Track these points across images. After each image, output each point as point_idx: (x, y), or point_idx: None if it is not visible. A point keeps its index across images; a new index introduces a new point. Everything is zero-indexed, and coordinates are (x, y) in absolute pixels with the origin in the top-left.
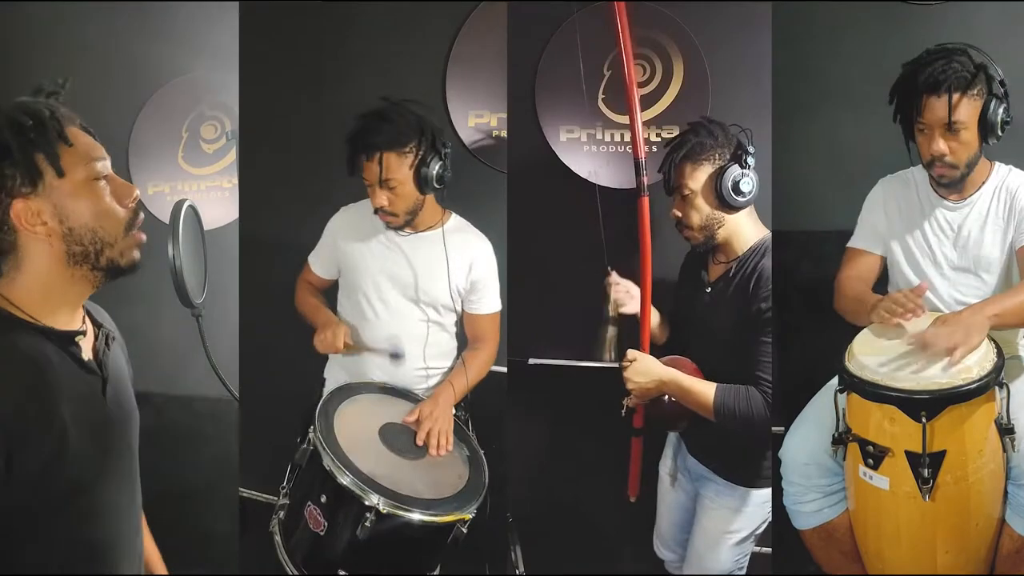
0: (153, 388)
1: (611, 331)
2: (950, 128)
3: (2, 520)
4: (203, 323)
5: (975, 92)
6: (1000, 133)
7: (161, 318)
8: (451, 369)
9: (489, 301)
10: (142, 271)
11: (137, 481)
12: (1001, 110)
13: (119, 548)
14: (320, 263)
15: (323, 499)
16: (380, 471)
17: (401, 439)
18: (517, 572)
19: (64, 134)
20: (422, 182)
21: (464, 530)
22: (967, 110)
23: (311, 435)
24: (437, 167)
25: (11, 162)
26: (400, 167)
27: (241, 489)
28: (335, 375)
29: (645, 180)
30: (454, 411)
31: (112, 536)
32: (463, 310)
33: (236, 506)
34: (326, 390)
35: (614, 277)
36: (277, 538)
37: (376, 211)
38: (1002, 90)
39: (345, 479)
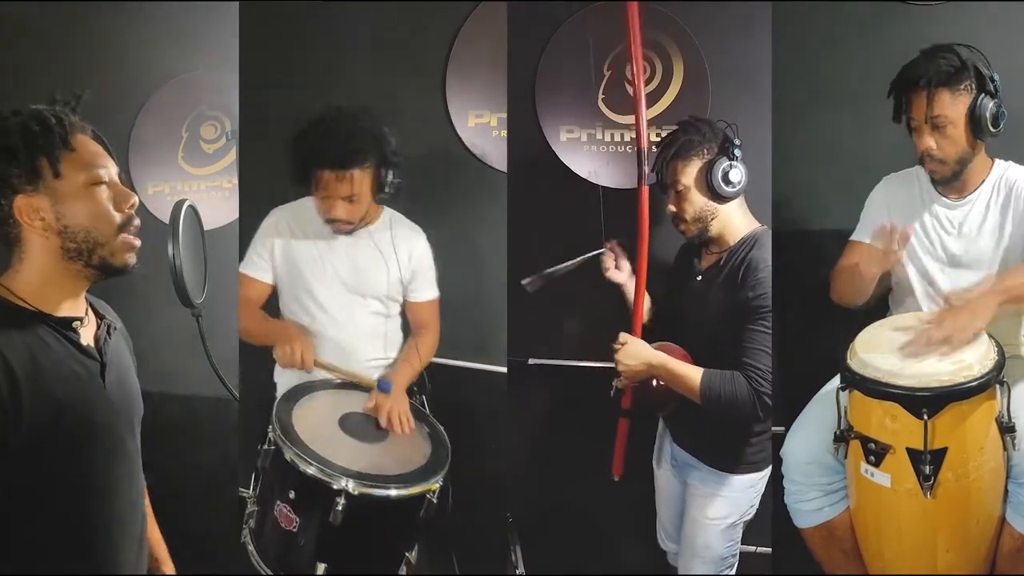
0: (153, 387)
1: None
2: (934, 123)
3: (3, 489)
4: (203, 323)
5: (961, 88)
6: (992, 130)
7: (161, 318)
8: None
9: (428, 289)
10: (142, 271)
11: (137, 467)
12: (991, 106)
13: (115, 528)
14: (262, 268)
15: (291, 495)
16: (345, 457)
17: (362, 426)
18: (517, 572)
19: (68, 140)
20: (378, 191)
21: (435, 501)
22: (951, 106)
23: (271, 435)
24: (392, 176)
25: (17, 163)
26: (364, 181)
27: (241, 489)
28: (286, 378)
29: (647, 169)
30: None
31: (106, 516)
32: (405, 300)
33: (236, 506)
34: (279, 394)
35: (613, 244)
36: (250, 547)
37: (330, 221)
38: (991, 85)
39: (310, 468)
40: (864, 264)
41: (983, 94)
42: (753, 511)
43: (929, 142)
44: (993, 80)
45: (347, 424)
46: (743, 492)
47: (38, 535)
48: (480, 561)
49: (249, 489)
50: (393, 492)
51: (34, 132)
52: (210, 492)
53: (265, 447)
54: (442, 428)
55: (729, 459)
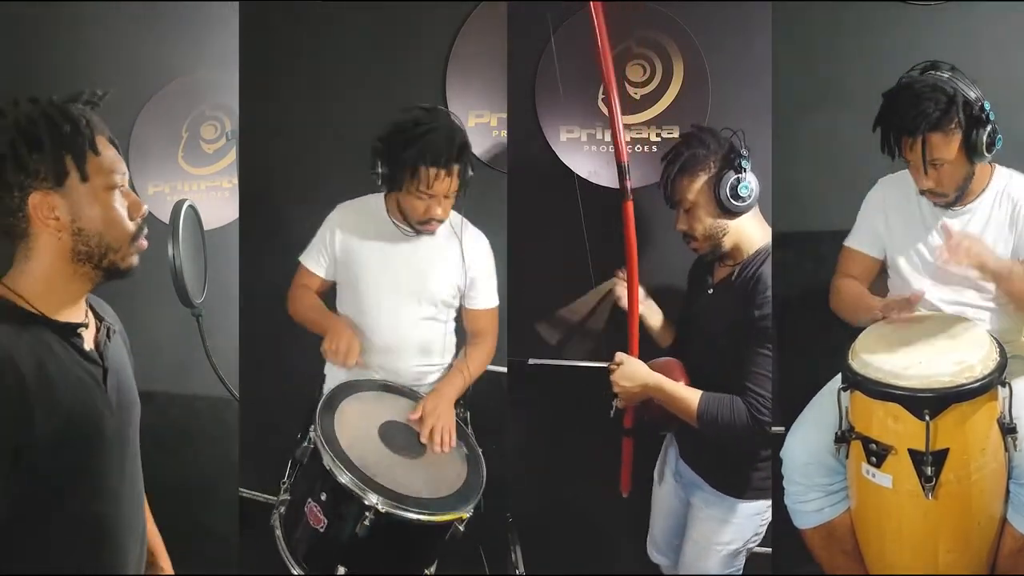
0: (154, 387)
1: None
2: (931, 164)
3: (13, 502)
4: (203, 323)
5: (951, 127)
6: (987, 153)
7: (161, 318)
8: (451, 365)
9: (488, 296)
10: (142, 271)
11: (138, 467)
12: (984, 133)
13: (122, 528)
14: (319, 263)
15: (323, 497)
16: (379, 470)
17: (401, 437)
18: (517, 572)
19: (94, 144)
20: (461, 187)
21: (461, 528)
22: (944, 147)
23: (311, 433)
24: (470, 176)
25: (41, 157)
26: (457, 177)
27: (241, 489)
28: (335, 372)
29: (629, 184)
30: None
31: (115, 516)
32: (462, 306)
33: (236, 506)
34: (326, 387)
35: (622, 272)
36: (278, 532)
37: (424, 222)
38: (982, 114)
39: (344, 478)
40: (876, 311)
41: (975, 126)
42: (759, 539)
43: (929, 183)
44: (984, 108)
45: (387, 433)
46: (748, 519)
47: (49, 540)
48: (480, 561)
49: (249, 489)
50: (415, 516)
51: (63, 130)
52: (210, 492)
53: (305, 444)
54: (480, 451)
55: (737, 484)
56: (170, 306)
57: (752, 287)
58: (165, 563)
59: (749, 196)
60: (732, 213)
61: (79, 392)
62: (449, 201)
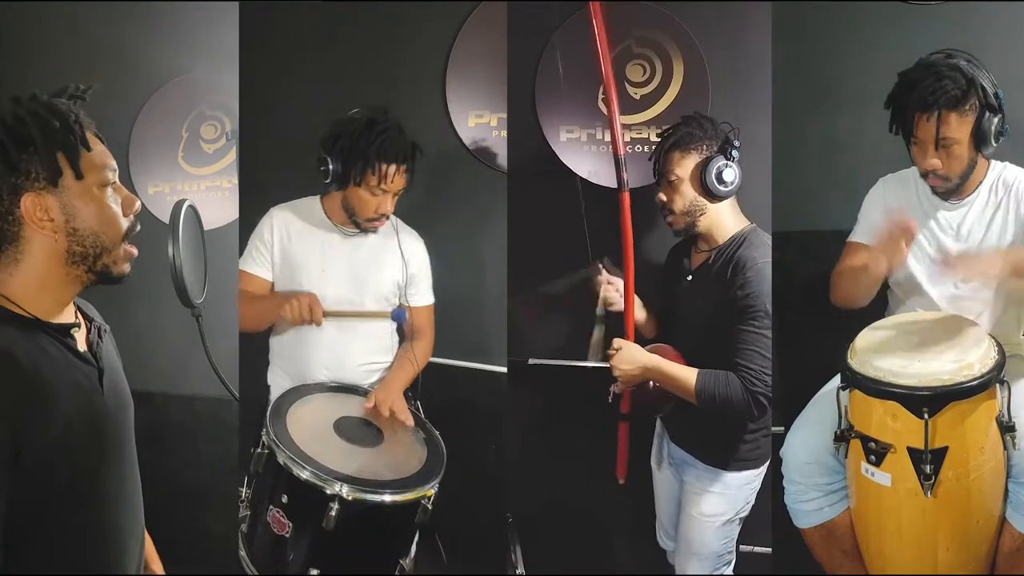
0: (153, 387)
1: (598, 332)
2: (941, 144)
3: (14, 508)
4: (203, 323)
5: (967, 108)
6: (995, 143)
7: (161, 318)
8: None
9: (425, 294)
10: (142, 271)
11: (135, 469)
12: (995, 121)
13: (123, 532)
14: (260, 266)
15: (284, 499)
16: (340, 462)
17: (357, 430)
18: (517, 572)
19: (86, 140)
20: (408, 187)
21: (429, 507)
22: (957, 127)
23: (264, 438)
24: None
25: (32, 156)
26: (405, 175)
27: (241, 489)
28: (278, 381)
29: (626, 176)
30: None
31: (115, 520)
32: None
33: (236, 506)
34: (272, 396)
35: (604, 275)
36: (242, 552)
37: (371, 219)
38: (996, 101)
39: (304, 472)
40: (874, 266)
41: (987, 111)
42: (749, 507)
43: (935, 162)
44: (998, 96)
45: (342, 428)
46: (738, 489)
47: (50, 546)
48: (480, 561)
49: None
50: (387, 498)
51: (53, 127)
52: (210, 492)
53: (258, 450)
54: (438, 433)
55: (725, 456)
56: (170, 306)
57: (732, 271)
58: (156, 565)
59: (732, 182)
60: (713, 196)
61: (76, 395)
62: (396, 198)
